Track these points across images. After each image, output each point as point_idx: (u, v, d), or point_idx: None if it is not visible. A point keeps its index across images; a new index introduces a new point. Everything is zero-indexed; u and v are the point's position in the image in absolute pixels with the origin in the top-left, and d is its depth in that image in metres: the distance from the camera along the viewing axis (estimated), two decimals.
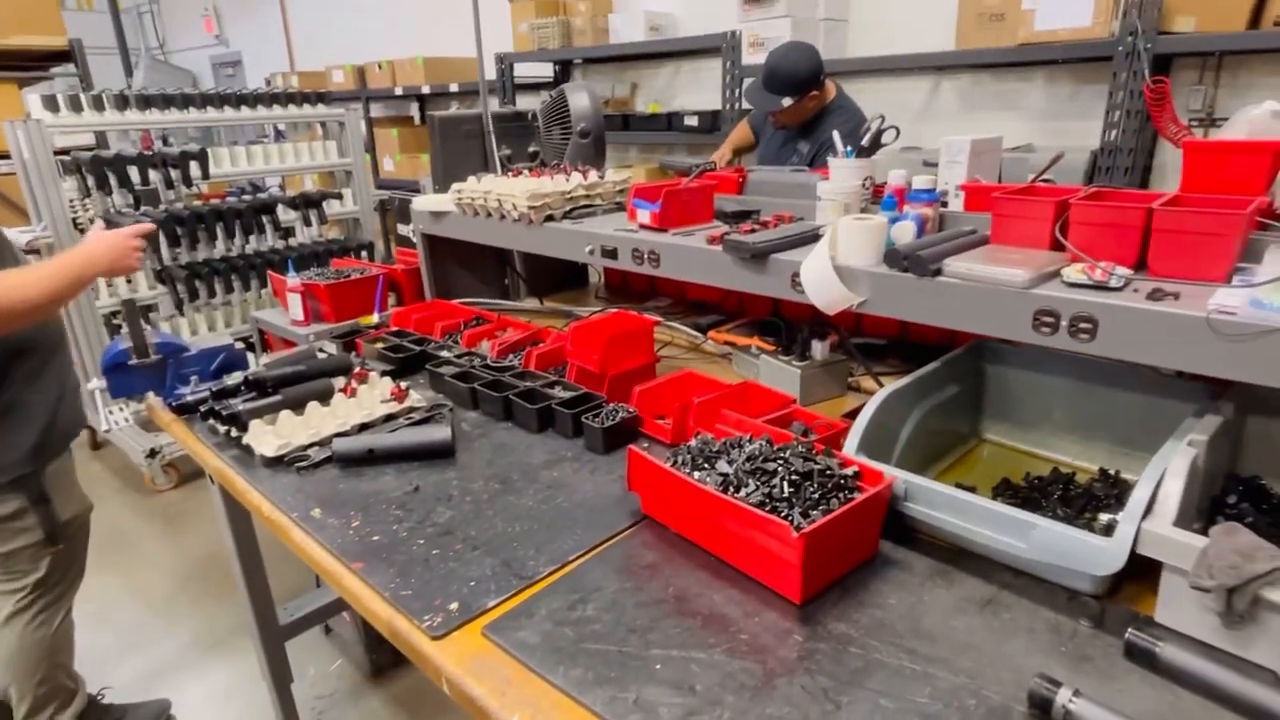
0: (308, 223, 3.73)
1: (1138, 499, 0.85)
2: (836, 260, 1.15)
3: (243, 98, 3.54)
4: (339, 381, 1.49)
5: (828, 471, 0.98)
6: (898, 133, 1.47)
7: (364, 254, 3.84)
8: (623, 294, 2.35)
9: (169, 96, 3.30)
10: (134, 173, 3.08)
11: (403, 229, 2.50)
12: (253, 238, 3.52)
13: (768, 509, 0.92)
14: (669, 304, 2.19)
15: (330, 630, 2.35)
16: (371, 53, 7.42)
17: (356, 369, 1.55)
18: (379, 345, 1.76)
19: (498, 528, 1.08)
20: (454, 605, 0.91)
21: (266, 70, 8.97)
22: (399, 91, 6.78)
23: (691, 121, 4.48)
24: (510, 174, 1.80)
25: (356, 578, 0.98)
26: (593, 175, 1.74)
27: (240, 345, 1.66)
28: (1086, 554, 0.84)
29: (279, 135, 6.56)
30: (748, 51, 3.89)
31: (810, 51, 2.59)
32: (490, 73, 6.76)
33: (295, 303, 2.02)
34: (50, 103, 2.98)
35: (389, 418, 1.44)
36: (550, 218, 1.65)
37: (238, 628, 2.42)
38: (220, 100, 3.46)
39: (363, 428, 1.40)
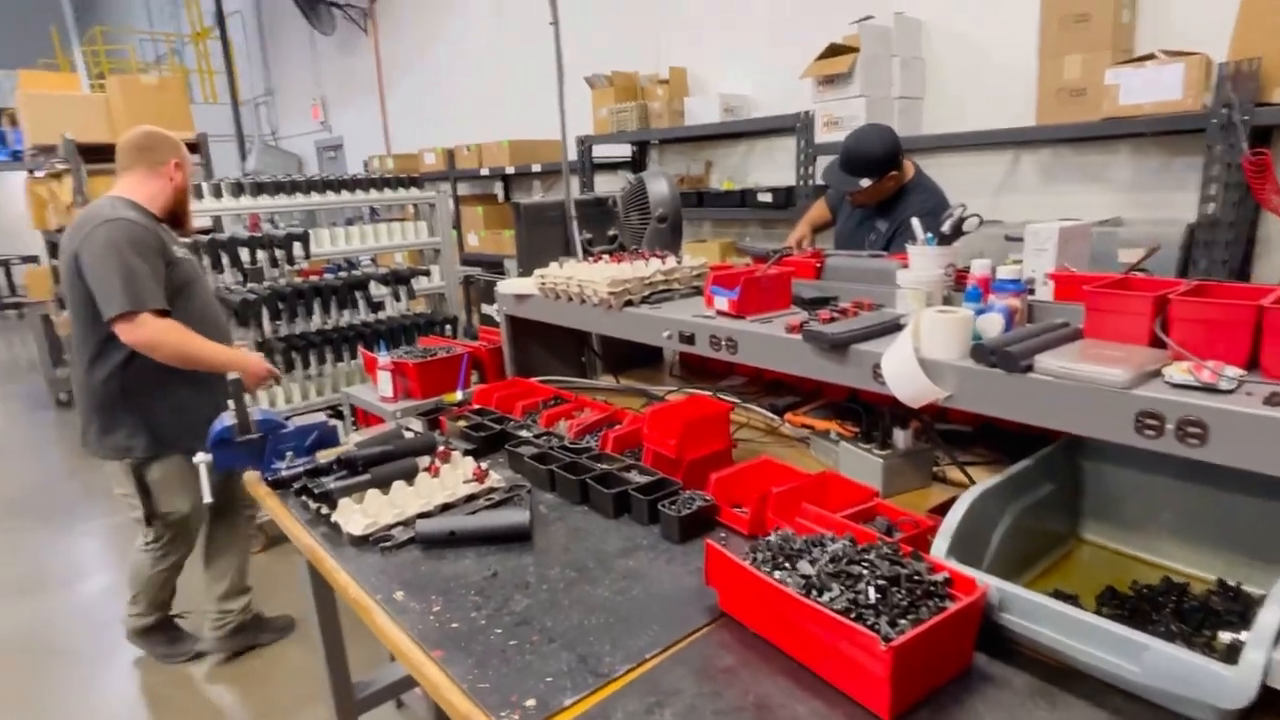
0: (397, 298, 3.92)
1: (1267, 623, 0.78)
2: (920, 353, 1.13)
3: (343, 182, 3.82)
4: (424, 460, 1.54)
5: (916, 577, 0.94)
6: (980, 220, 1.46)
7: (448, 328, 3.99)
8: (698, 372, 2.37)
9: (279, 183, 3.59)
10: (244, 252, 3.33)
11: (486, 308, 2.60)
12: (346, 312, 3.73)
13: (853, 616, 0.89)
14: (744, 383, 2.19)
15: (402, 704, 2.36)
16: (460, 136, 7.89)
17: (440, 448, 1.60)
18: (461, 423, 1.81)
19: (574, 619, 1.08)
20: (530, 702, 0.91)
21: (365, 152, 9.65)
22: (485, 171, 7.15)
23: (765, 198, 4.55)
24: (591, 258, 1.87)
25: (436, 666, 0.99)
26: (670, 260, 1.78)
27: (331, 416, 1.74)
28: (1209, 684, 0.77)
29: (373, 214, 7.01)
30: (821, 130, 3.96)
31: (887, 133, 2.61)
32: (571, 154, 7.08)
33: (385, 380, 2.12)
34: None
35: (470, 498, 1.47)
36: (629, 302, 1.69)
37: (312, 698, 2.46)
38: (324, 185, 3.73)
39: (445, 508, 1.43)
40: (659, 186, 2.15)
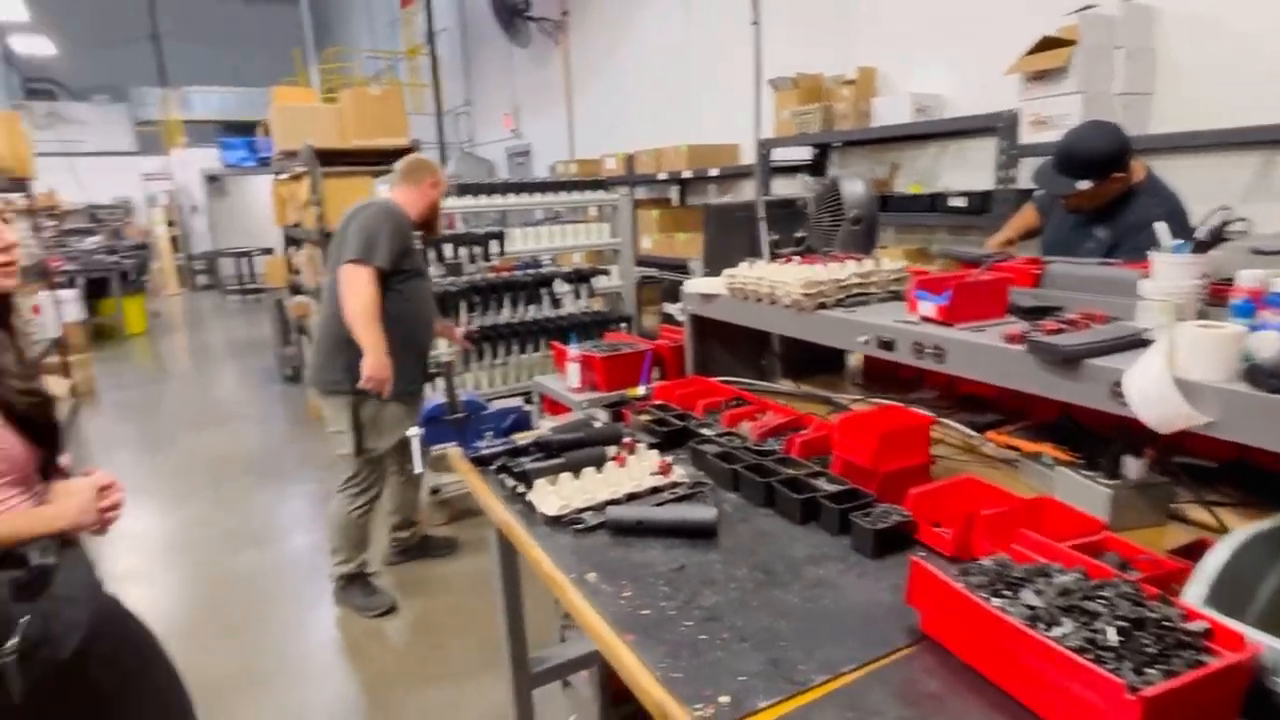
0: (578, 295, 4.10)
1: None
2: (1175, 372, 1.00)
3: (535, 185, 4.05)
4: (611, 450, 1.59)
5: (1166, 623, 0.83)
6: (1246, 225, 1.27)
7: (624, 326, 4.11)
8: (881, 382, 2.26)
9: (479, 185, 3.87)
10: (448, 249, 3.62)
11: (669, 307, 2.65)
12: (531, 307, 3.95)
13: (1089, 657, 0.80)
14: (935, 396, 2.06)
15: (568, 684, 2.45)
16: (639, 142, 8.11)
17: (626, 439, 1.64)
18: (645, 417, 1.85)
19: (763, 621, 1.06)
20: (725, 699, 0.90)
21: (551, 158, 10.19)
22: (662, 176, 7.29)
23: (958, 203, 4.26)
24: (781, 260, 1.84)
25: (629, 650, 1.01)
26: (867, 263, 1.71)
27: (525, 405, 1.84)
28: None
29: (554, 216, 7.40)
30: (1027, 130, 3.65)
31: (1112, 131, 2.36)
32: (751, 157, 7.06)
33: (573, 371, 2.21)
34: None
35: (655, 490, 1.49)
36: (823, 305, 1.64)
37: (484, 665, 2.62)
38: (518, 188, 3.98)
39: (631, 497, 1.47)
40: (854, 187, 2.07)
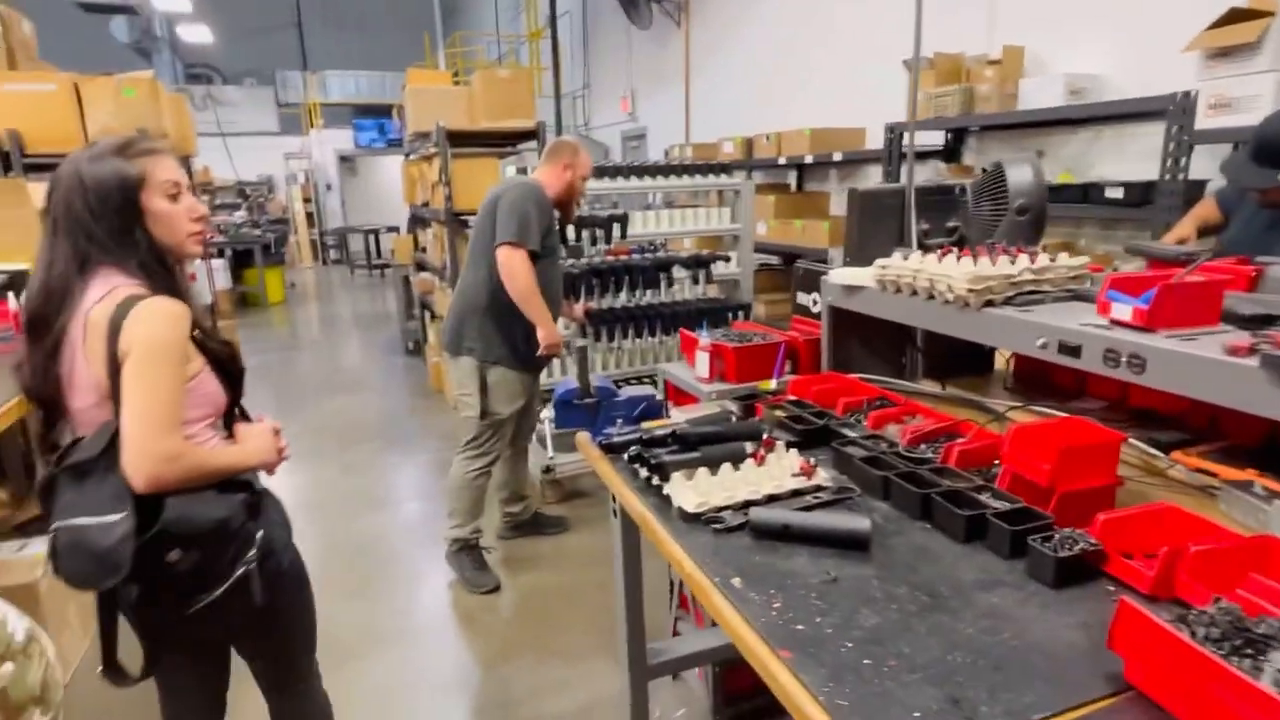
0: (695, 281, 4.03)
1: None
2: None
3: (659, 168, 3.99)
4: (750, 446, 1.52)
5: None
6: None
7: (740, 315, 4.01)
8: (1036, 387, 2.07)
9: (603, 168, 3.85)
10: (570, 231, 3.63)
11: (801, 297, 2.53)
12: (648, 292, 3.92)
13: None
14: (1102, 408, 1.86)
15: (677, 677, 2.41)
16: (758, 125, 7.91)
17: (765, 436, 1.56)
18: (780, 413, 1.76)
19: (933, 651, 0.96)
20: None
21: (666, 142, 10.13)
22: (782, 161, 7.08)
23: (1115, 194, 3.90)
24: (939, 252, 1.70)
25: (786, 669, 0.94)
26: (1042, 258, 1.55)
27: (656, 394, 1.80)
28: None
29: (666, 201, 7.35)
30: (1205, 114, 3.27)
31: None
32: (877, 142, 6.75)
33: (703, 360, 2.15)
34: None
35: (796, 493, 1.41)
36: (990, 303, 1.50)
37: (595, 648, 2.62)
38: (642, 170, 3.94)
39: (770, 499, 1.39)
40: (1021, 174, 1.89)
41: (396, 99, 13.92)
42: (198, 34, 13.46)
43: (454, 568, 3.11)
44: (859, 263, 2.01)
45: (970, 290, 1.48)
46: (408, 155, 6.20)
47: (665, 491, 1.41)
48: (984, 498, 1.29)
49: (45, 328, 1.30)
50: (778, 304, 7.15)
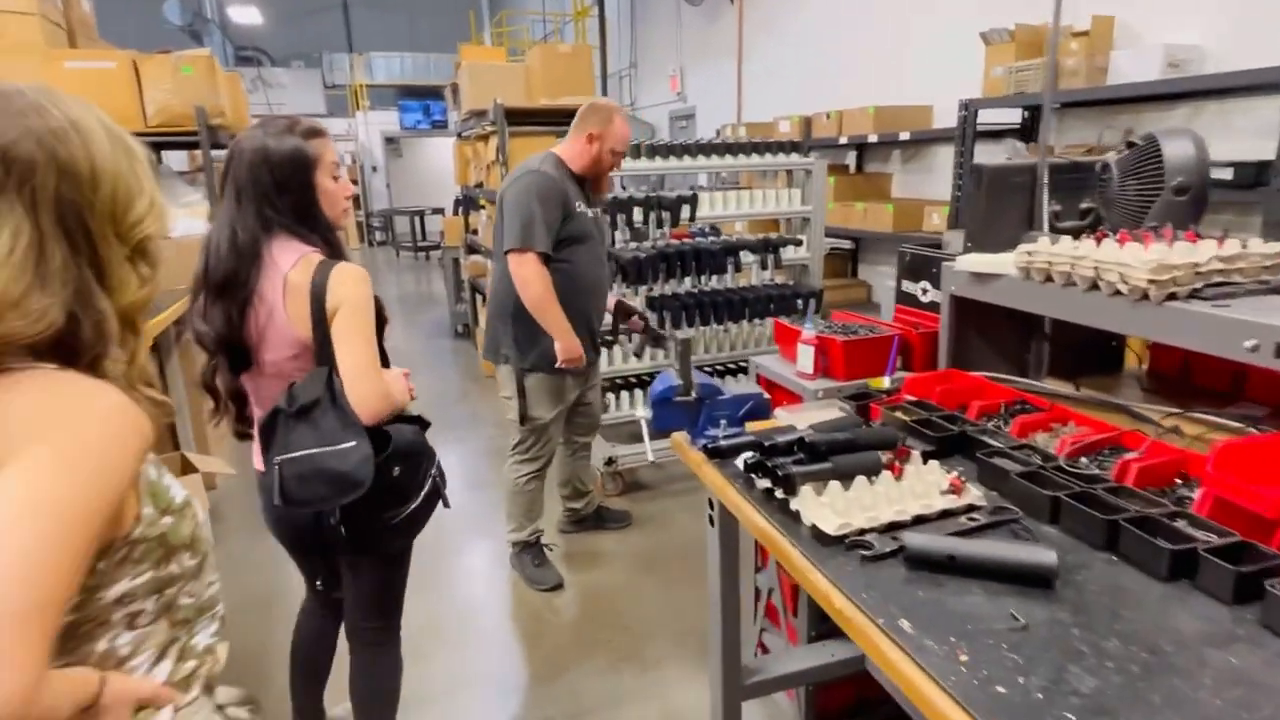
0: (764, 266, 3.82)
1: None
2: None
3: (726, 146, 3.78)
4: (885, 457, 1.33)
5: None
6: None
7: (812, 302, 3.80)
8: (1177, 388, 1.85)
9: (670, 146, 3.66)
10: (638, 213, 3.46)
11: (907, 285, 2.32)
12: (715, 277, 3.73)
13: None
14: (1265, 414, 1.63)
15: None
16: (817, 104, 7.61)
17: (899, 445, 1.38)
18: (901, 415, 1.58)
19: None
20: None
21: (716, 122, 9.86)
22: (843, 140, 6.80)
23: (1222, 175, 3.60)
24: (1094, 237, 1.48)
25: None
26: (1231, 244, 1.33)
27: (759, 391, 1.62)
28: None
29: (719, 181, 7.11)
30: None
31: None
32: (949, 119, 6.42)
33: (806, 355, 1.96)
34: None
35: (946, 513, 1.23)
36: (1172, 296, 1.29)
37: (670, 657, 2.47)
38: (709, 149, 3.73)
39: (917, 520, 1.21)
40: (1180, 147, 1.66)
41: (441, 80, 13.85)
42: (247, 15, 13.54)
43: (516, 568, 2.99)
44: (984, 247, 1.80)
45: (1152, 281, 1.27)
46: (460, 135, 6.06)
47: (793, 507, 1.24)
48: (1182, 526, 1.09)
49: (237, 287, 1.46)
50: (840, 289, 6.87)
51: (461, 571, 3.13)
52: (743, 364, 4.19)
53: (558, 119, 4.80)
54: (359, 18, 18.12)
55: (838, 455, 1.31)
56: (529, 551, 2.96)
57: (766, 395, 1.55)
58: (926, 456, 1.39)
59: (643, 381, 3.89)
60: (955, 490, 1.25)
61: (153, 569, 0.82)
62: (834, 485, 1.26)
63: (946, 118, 6.49)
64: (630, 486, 3.70)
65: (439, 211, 13.12)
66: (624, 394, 3.85)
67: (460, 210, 6.96)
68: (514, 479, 2.86)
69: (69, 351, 0.78)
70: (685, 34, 10.89)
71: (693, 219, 3.52)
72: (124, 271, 0.83)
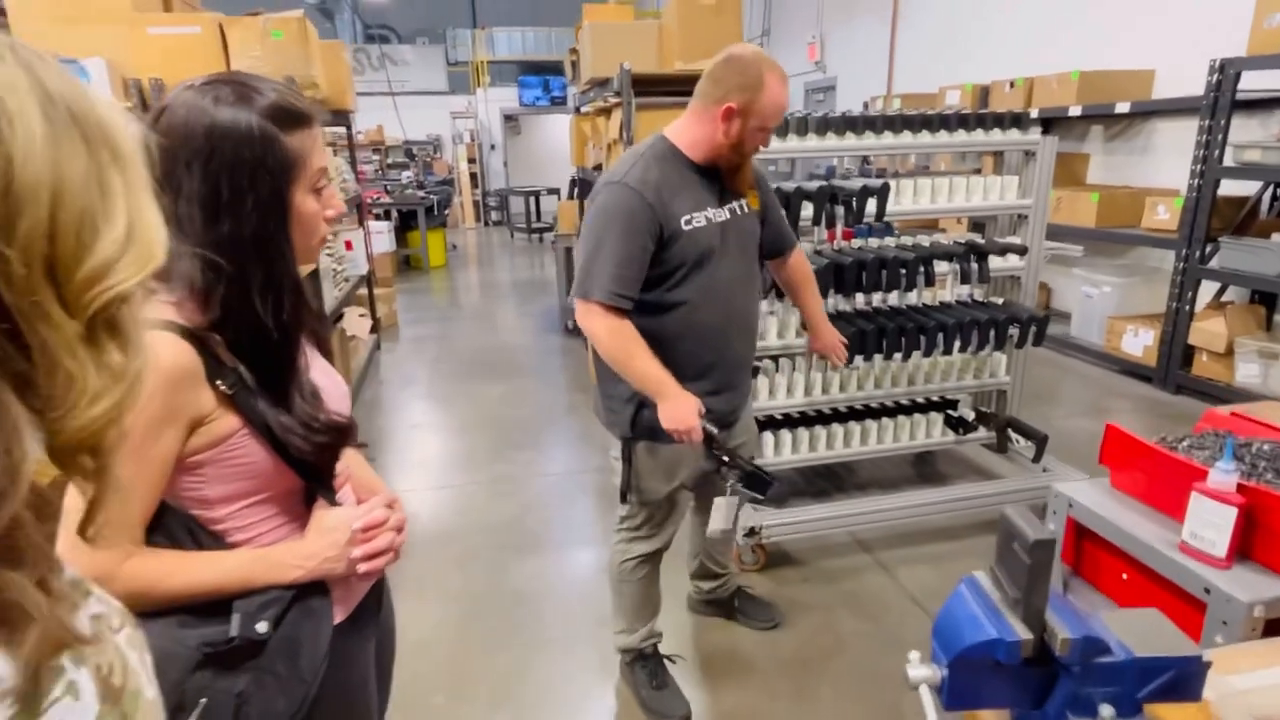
0: (964, 279, 2.89)
1: None
2: None
3: (923, 120, 2.85)
4: None
5: None
6: None
7: (1032, 330, 2.84)
8: None
9: (850, 120, 2.78)
10: (806, 210, 2.61)
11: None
12: (894, 293, 2.83)
13: None
14: None
15: None
16: (994, 71, 6.40)
17: None
18: None
19: None
20: None
21: (860, 95, 8.72)
22: (1034, 114, 5.60)
23: None
24: None
25: None
26: None
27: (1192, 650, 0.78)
28: None
29: (864, 165, 6.09)
30: None
31: None
32: (1172, 88, 5.11)
33: (1218, 517, 0.99)
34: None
35: None
36: None
37: None
38: (901, 123, 2.82)
39: None
40: None
41: (564, 55, 13.29)
42: None
43: (628, 684, 2.27)
44: None
45: None
46: (578, 109, 5.37)
47: None
48: None
49: None
50: None
51: (558, 675, 2.42)
52: (921, 400, 3.27)
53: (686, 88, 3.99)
54: None
55: None
56: (644, 665, 2.23)
57: (1201, 657, 0.71)
58: None
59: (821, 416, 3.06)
60: None
61: None
62: None
63: (1171, 86, 5.19)
64: (773, 559, 2.91)
65: (554, 192, 12.63)
66: (767, 433, 3.04)
67: (575, 194, 6.31)
68: (619, 562, 2.14)
69: None
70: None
71: (880, 216, 2.64)
72: (74, 364, 0.44)
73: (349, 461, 1.22)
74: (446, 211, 11.10)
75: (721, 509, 1.94)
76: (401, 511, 1.14)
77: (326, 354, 1.20)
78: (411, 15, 16.89)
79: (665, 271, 1.80)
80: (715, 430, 1.81)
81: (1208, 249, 4.39)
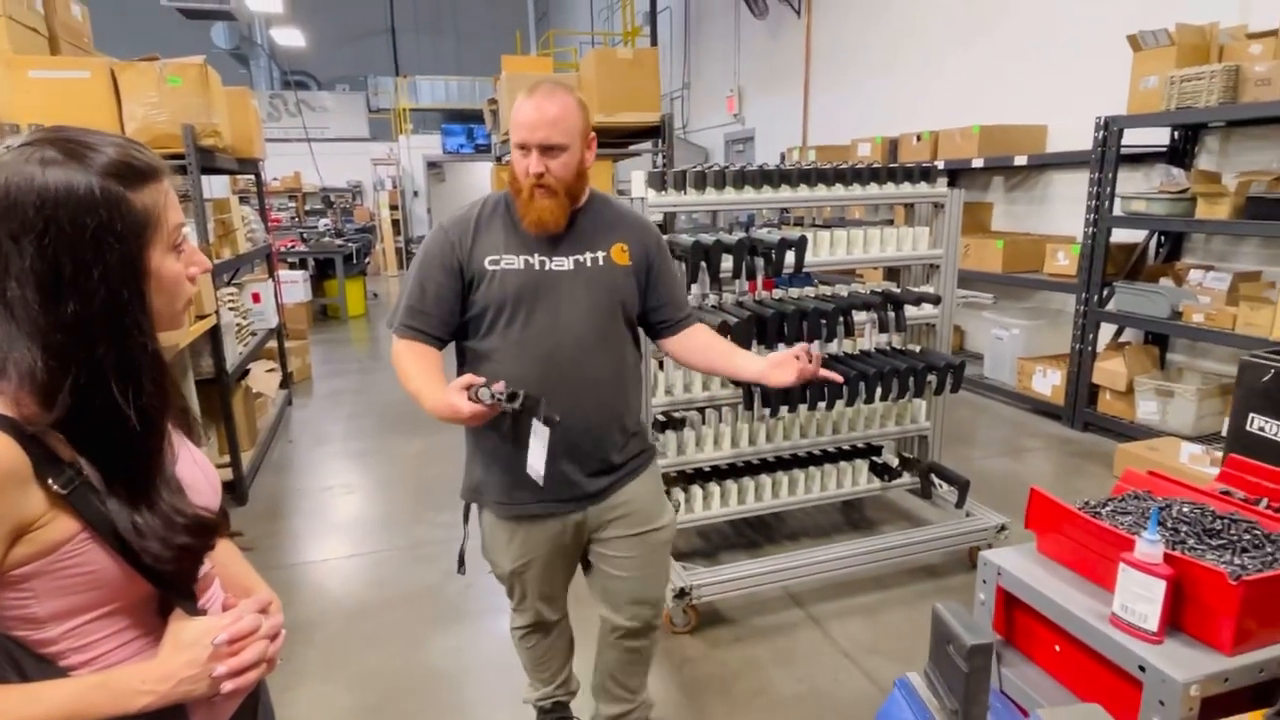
0: (883, 328, 2.92)
1: None
2: None
3: (837, 174, 2.91)
4: None
5: None
6: None
7: (949, 379, 2.89)
8: None
9: (767, 173, 2.81)
10: (726, 263, 2.60)
11: (1261, 423, 1.41)
12: (815, 343, 2.83)
13: None
14: None
15: None
16: (902, 125, 6.72)
17: None
18: None
19: None
20: None
21: (777, 146, 9.01)
22: (940, 165, 5.85)
23: None
24: None
25: None
26: None
27: None
28: None
29: (796, 220, 6.24)
30: None
31: None
32: (1064, 142, 5.45)
33: (1147, 590, 0.91)
34: (656, 180, 2.68)
35: None
36: None
37: None
38: (814, 176, 2.87)
39: None
40: None
41: (484, 103, 13.34)
42: (291, 38, 13.22)
43: None
44: None
45: None
46: (499, 159, 5.32)
47: None
48: None
49: None
50: None
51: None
52: (846, 447, 3.29)
53: (615, 140, 3.99)
54: (406, 41, 17.90)
55: None
56: (550, 715, 2.10)
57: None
58: None
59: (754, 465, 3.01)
60: None
61: None
62: None
63: (1062, 140, 5.55)
64: (705, 618, 2.81)
65: None
66: (695, 487, 2.97)
67: None
68: (510, 628, 2.04)
69: None
70: (745, 52, 10.10)
71: (798, 269, 2.65)
72: None
73: (220, 556, 1.09)
74: (367, 259, 10.80)
75: (535, 449, 1.58)
76: (278, 615, 1.00)
77: (194, 438, 1.07)
78: (332, 62, 16.72)
79: (475, 315, 1.67)
80: (492, 390, 1.46)
81: (1105, 293, 4.63)
